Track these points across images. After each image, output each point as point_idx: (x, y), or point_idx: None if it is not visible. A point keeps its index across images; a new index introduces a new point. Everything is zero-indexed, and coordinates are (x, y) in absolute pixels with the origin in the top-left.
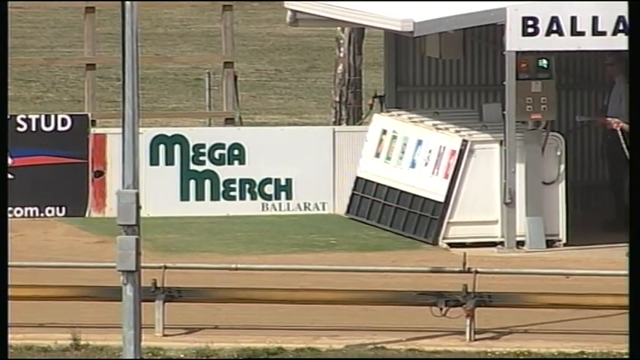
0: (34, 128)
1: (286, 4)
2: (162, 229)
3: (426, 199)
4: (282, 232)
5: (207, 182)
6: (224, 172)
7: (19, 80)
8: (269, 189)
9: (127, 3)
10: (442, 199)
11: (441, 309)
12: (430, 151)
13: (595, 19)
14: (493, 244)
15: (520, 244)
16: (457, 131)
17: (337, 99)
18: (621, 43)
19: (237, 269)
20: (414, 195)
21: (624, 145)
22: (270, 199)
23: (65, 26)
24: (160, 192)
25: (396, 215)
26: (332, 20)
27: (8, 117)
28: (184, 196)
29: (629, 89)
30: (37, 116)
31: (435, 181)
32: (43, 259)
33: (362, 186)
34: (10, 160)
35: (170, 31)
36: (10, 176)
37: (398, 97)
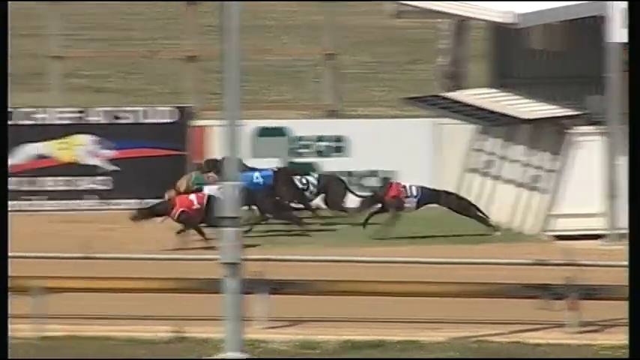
0: (136, 120)
1: None
2: (265, 221)
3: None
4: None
5: None
6: (326, 164)
7: (121, 72)
8: (372, 181)
9: None
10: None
11: (546, 301)
12: None
13: None
14: (597, 237)
15: (624, 236)
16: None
17: (439, 91)
18: None
19: (339, 262)
20: None
21: None
22: None
23: (168, 18)
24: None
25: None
26: (435, 12)
27: (110, 109)
28: None
29: (630, 89)
30: (139, 108)
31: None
32: (145, 251)
33: None
34: (113, 153)
35: (272, 23)
36: (114, 168)
37: (501, 90)
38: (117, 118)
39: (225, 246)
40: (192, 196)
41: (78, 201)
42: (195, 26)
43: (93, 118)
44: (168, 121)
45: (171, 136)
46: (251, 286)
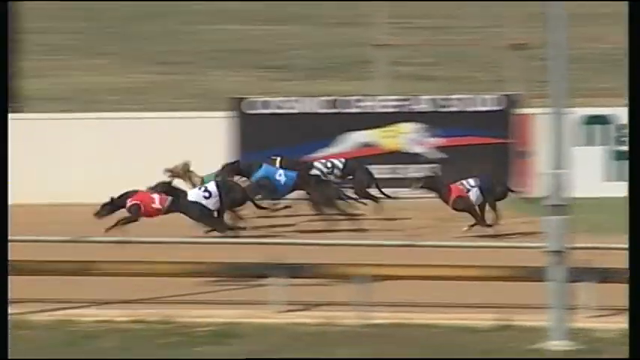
0: (462, 108)
1: None
2: (589, 209)
3: None
4: None
5: None
6: None
7: (447, 60)
8: None
9: None
10: None
11: None
12: None
13: None
14: None
15: None
16: None
17: None
18: None
19: None
20: None
21: None
22: None
23: (493, 6)
24: (584, 172)
25: None
26: None
27: (436, 97)
28: (608, 176)
29: (630, 89)
30: (465, 96)
31: None
32: (456, 238)
33: None
34: (439, 141)
35: (598, 10)
36: (440, 156)
37: None
38: (442, 106)
39: (551, 234)
40: (156, 196)
41: (402, 189)
42: (521, 14)
43: (418, 106)
44: (494, 109)
45: (497, 124)
46: (577, 275)
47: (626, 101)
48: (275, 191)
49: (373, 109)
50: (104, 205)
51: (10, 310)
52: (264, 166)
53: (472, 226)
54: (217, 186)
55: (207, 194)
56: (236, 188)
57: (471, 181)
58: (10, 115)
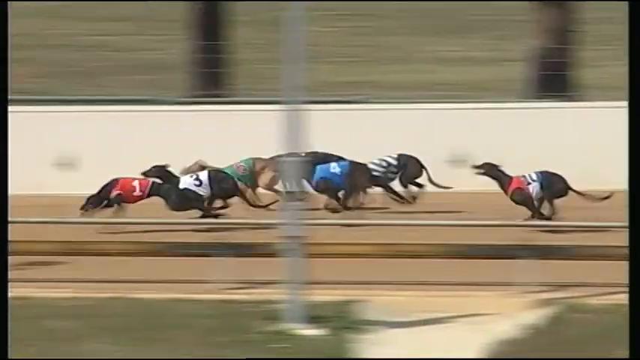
0: None
1: None
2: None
3: None
4: None
5: None
6: None
7: None
8: None
9: None
10: None
11: None
12: None
13: None
14: None
15: None
16: None
17: None
18: None
19: None
20: None
21: None
22: None
23: None
24: None
25: None
26: None
27: None
28: None
29: (630, 89)
30: None
31: None
32: None
33: None
34: None
35: None
36: None
37: None
38: None
39: None
40: (136, 182)
41: None
42: None
43: None
44: None
45: None
46: None
47: (626, 100)
48: (337, 185)
49: None
50: (89, 199)
51: (566, 294)
52: (319, 167)
53: (529, 218)
54: (209, 176)
55: (197, 182)
56: (227, 180)
57: (533, 175)
58: (564, 104)
